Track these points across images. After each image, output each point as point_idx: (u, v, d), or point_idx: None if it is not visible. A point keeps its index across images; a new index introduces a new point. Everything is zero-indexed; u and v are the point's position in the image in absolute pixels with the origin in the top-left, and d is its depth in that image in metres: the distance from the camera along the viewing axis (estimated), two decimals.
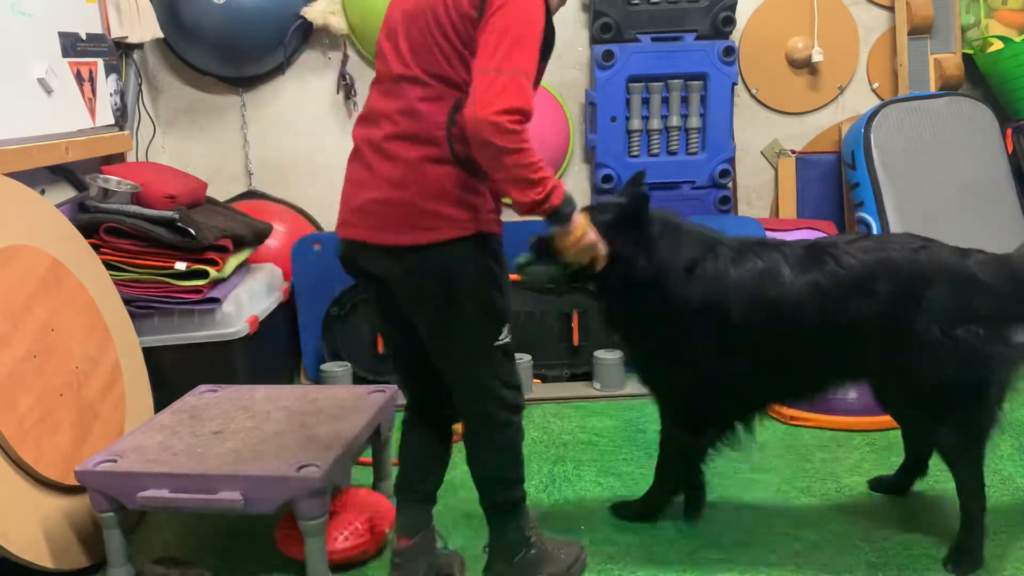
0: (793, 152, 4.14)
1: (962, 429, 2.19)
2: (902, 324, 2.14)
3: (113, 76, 3.45)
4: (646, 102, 3.86)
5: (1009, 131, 3.88)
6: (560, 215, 1.87)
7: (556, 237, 1.98)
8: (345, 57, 3.98)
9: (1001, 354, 2.14)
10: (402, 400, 2.25)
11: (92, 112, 3.26)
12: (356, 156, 1.97)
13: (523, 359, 3.48)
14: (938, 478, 2.70)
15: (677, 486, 2.50)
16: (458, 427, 2.22)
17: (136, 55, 3.69)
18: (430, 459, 2.20)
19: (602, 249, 2.06)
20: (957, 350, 2.11)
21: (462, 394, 2.05)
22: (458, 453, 2.20)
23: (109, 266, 2.87)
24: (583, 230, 1.97)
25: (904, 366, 2.17)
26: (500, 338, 1.97)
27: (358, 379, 3.59)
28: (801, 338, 2.19)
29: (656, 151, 3.92)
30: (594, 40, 3.87)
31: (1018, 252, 2.26)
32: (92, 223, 2.89)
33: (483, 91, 1.72)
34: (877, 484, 2.66)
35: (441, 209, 1.84)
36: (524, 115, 1.73)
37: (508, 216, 2.10)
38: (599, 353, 3.53)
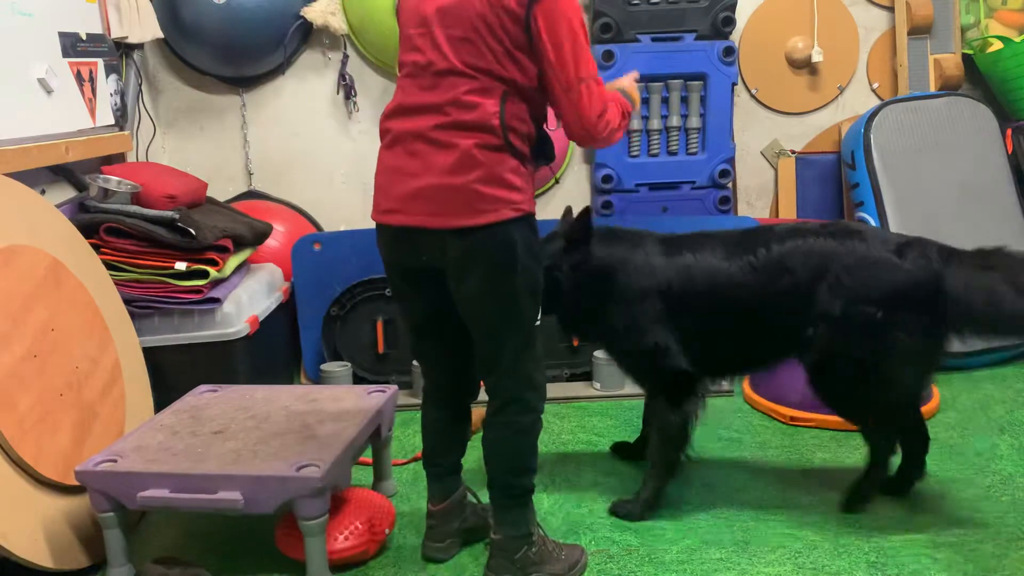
0: (793, 152, 4.14)
1: (872, 406, 2.44)
2: (816, 304, 2.36)
3: (113, 76, 3.45)
4: (646, 102, 3.86)
5: (1009, 131, 3.88)
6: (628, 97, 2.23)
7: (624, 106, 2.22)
8: (345, 57, 3.98)
9: (905, 341, 2.32)
10: (401, 400, 2.27)
11: (92, 112, 3.27)
12: (395, 146, 2.04)
13: None
14: (938, 478, 2.70)
15: (675, 465, 2.57)
16: (475, 418, 2.34)
17: (136, 55, 3.69)
18: (449, 437, 2.33)
19: (635, 91, 2.34)
20: (858, 330, 2.33)
21: (499, 372, 2.10)
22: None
23: (109, 266, 2.87)
24: (634, 84, 2.36)
25: (821, 344, 2.39)
26: (538, 319, 2.11)
27: (358, 379, 3.59)
28: (735, 315, 2.44)
29: (656, 151, 3.92)
30: (594, 40, 3.87)
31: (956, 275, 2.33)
32: (92, 223, 2.88)
33: (585, 103, 1.97)
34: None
35: (498, 192, 1.96)
36: (608, 108, 2.02)
37: None
38: (599, 353, 3.53)
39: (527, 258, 2.02)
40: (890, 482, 2.59)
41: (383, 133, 2.09)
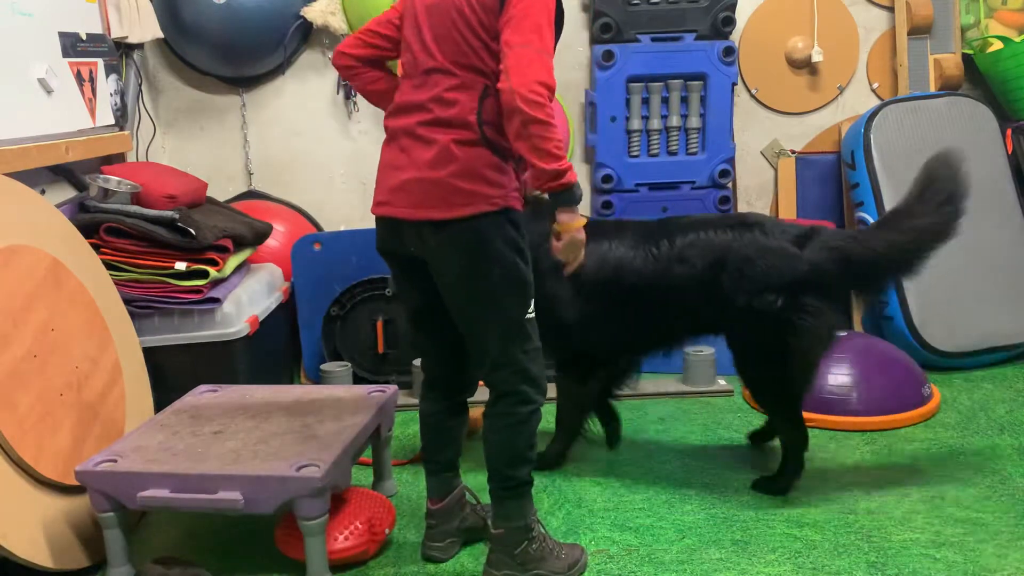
0: (793, 152, 4.14)
1: (773, 387, 2.63)
2: (717, 291, 2.55)
3: (113, 76, 3.45)
4: (646, 102, 3.86)
5: (1009, 131, 3.88)
6: (572, 194, 2.01)
7: (559, 219, 2.05)
8: None
9: (803, 323, 2.49)
10: (401, 400, 2.27)
11: (92, 112, 3.27)
12: (391, 142, 2.13)
13: None
14: (938, 478, 2.70)
15: (578, 431, 2.89)
16: (476, 416, 2.36)
17: (136, 55, 3.69)
18: (445, 434, 2.34)
19: (582, 253, 2.13)
20: (759, 317, 2.51)
21: (492, 366, 2.13)
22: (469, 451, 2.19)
23: (109, 266, 2.87)
24: (581, 223, 2.08)
25: (724, 327, 2.65)
26: (528, 312, 2.11)
27: (358, 379, 3.59)
28: (641, 301, 2.62)
29: (656, 151, 3.92)
30: (594, 40, 3.87)
31: (856, 239, 2.55)
32: (92, 223, 2.89)
33: (515, 63, 1.90)
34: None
35: (473, 187, 2.00)
36: (550, 90, 1.91)
37: None
38: None
39: (506, 252, 2.04)
40: (770, 480, 2.68)
41: (385, 130, 2.18)
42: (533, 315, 2.13)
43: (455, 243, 2.03)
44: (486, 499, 2.28)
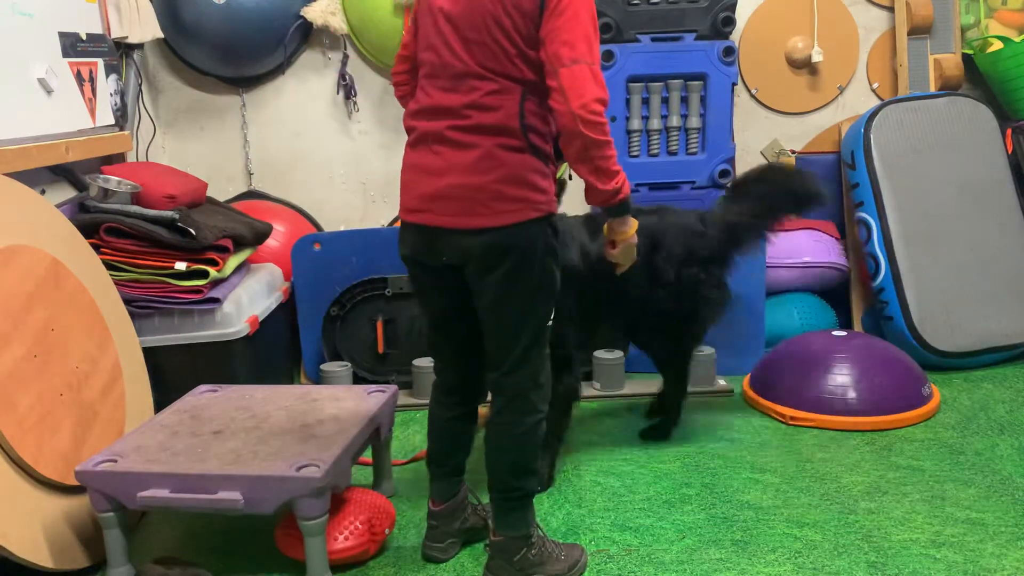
0: (793, 152, 4.14)
1: (681, 349, 3.01)
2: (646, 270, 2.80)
3: (113, 76, 3.45)
4: (646, 102, 3.86)
5: (1009, 131, 3.88)
6: (626, 206, 2.08)
7: (615, 228, 2.16)
8: (345, 57, 3.98)
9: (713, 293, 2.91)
10: (401, 400, 2.26)
11: (92, 112, 3.27)
12: (419, 145, 2.07)
13: None
14: (938, 478, 2.70)
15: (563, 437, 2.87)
16: (483, 412, 2.33)
17: (136, 55, 3.69)
18: (454, 438, 2.34)
19: (634, 255, 2.25)
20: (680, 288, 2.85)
21: (509, 367, 2.10)
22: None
23: (109, 266, 2.87)
24: (635, 228, 2.16)
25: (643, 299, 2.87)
26: (551, 319, 2.12)
27: (358, 379, 3.59)
28: (593, 285, 2.75)
29: (656, 151, 3.92)
30: None
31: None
32: (92, 223, 2.89)
33: (570, 83, 1.88)
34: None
35: (520, 193, 1.98)
36: (606, 104, 1.92)
37: None
38: (599, 353, 3.53)
39: (547, 258, 2.05)
40: (656, 428, 3.09)
41: (409, 131, 2.11)
42: (551, 324, 2.14)
43: (503, 249, 2.00)
44: (487, 498, 2.28)
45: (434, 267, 2.11)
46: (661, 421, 3.09)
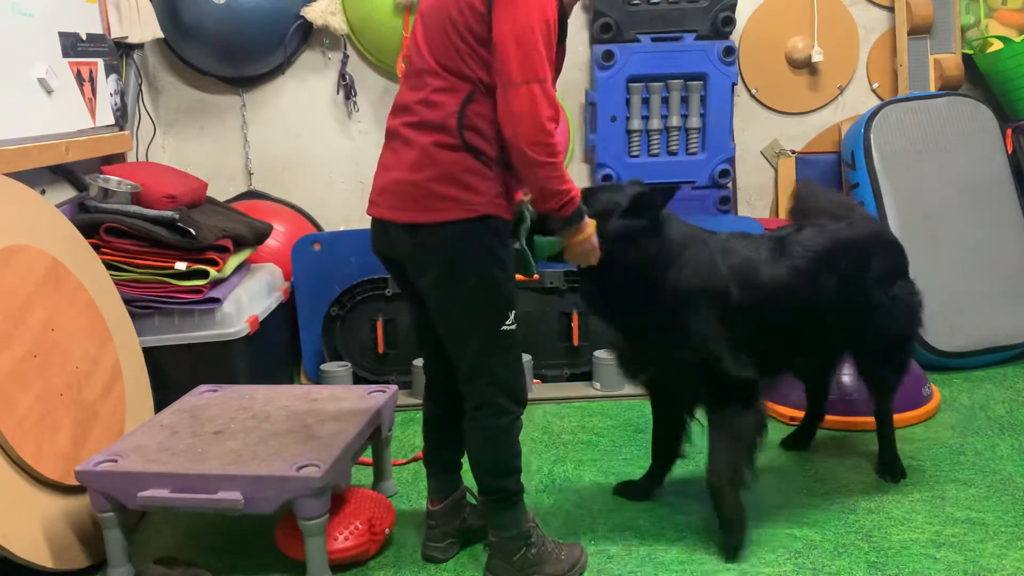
0: (793, 152, 4.14)
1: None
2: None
3: (113, 76, 3.45)
4: (646, 102, 3.86)
5: (1009, 131, 3.88)
6: (575, 217, 2.06)
7: (566, 237, 2.13)
8: (345, 57, 3.98)
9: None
10: (401, 400, 2.26)
11: (92, 112, 3.27)
12: (387, 142, 2.12)
13: (523, 359, 3.48)
14: (938, 478, 2.70)
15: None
16: None
17: (136, 55, 3.69)
18: (444, 435, 2.33)
19: (596, 257, 2.18)
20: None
21: (467, 376, 2.11)
22: None
23: (109, 266, 2.87)
24: (588, 234, 2.12)
25: None
26: (507, 323, 2.07)
27: (358, 379, 3.59)
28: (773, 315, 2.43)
29: (656, 151, 3.92)
30: (594, 40, 3.87)
31: None
32: (92, 223, 2.88)
33: (517, 109, 1.88)
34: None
35: (451, 191, 1.96)
36: (553, 119, 1.90)
37: None
38: (599, 353, 3.53)
39: (482, 261, 2.01)
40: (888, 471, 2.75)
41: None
42: (513, 326, 2.09)
43: (430, 249, 2.01)
44: None
45: (397, 263, 2.14)
46: (886, 462, 2.72)
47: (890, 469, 2.71)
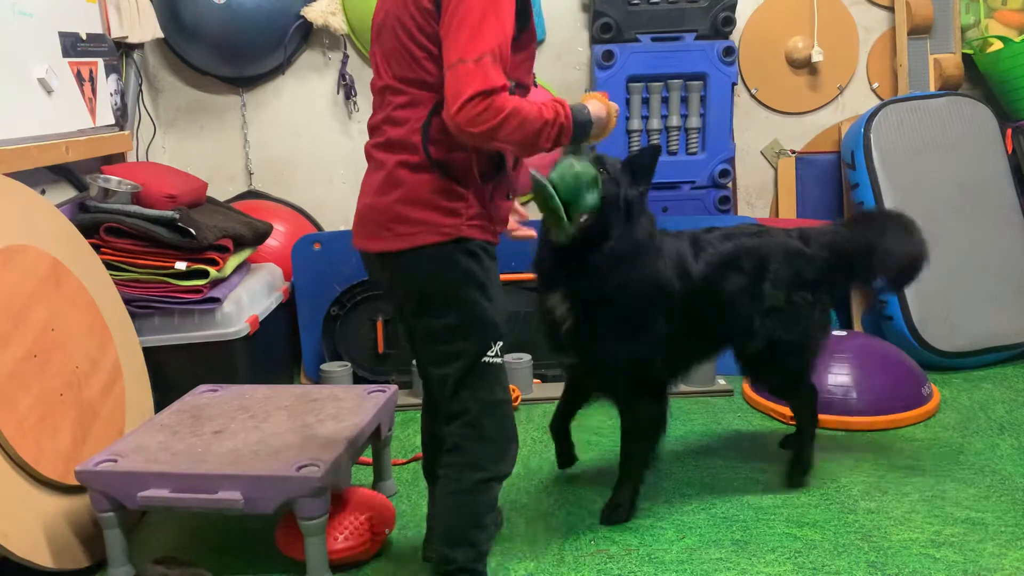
0: (793, 152, 4.14)
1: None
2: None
3: (113, 76, 3.45)
4: (646, 102, 3.86)
5: (1009, 131, 3.88)
6: (583, 130, 1.86)
7: (597, 136, 1.98)
8: (345, 57, 3.98)
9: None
10: (401, 400, 2.24)
11: (92, 112, 3.27)
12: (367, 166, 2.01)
13: (523, 359, 3.49)
14: (938, 478, 2.70)
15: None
16: None
17: (136, 55, 3.69)
18: (437, 444, 2.20)
19: (614, 117, 2.03)
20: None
21: (446, 419, 1.93)
22: None
23: (109, 266, 2.87)
24: (607, 113, 1.97)
25: None
26: (489, 354, 1.88)
27: (358, 379, 3.59)
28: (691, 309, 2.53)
29: None
30: (594, 40, 3.87)
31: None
32: (92, 223, 2.89)
33: (450, 88, 1.67)
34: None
35: (419, 215, 1.80)
36: (488, 94, 1.65)
37: None
38: None
39: (461, 287, 1.83)
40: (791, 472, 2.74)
41: None
42: (500, 361, 1.89)
43: (404, 278, 1.86)
44: None
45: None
46: (792, 463, 2.72)
47: (799, 471, 2.70)
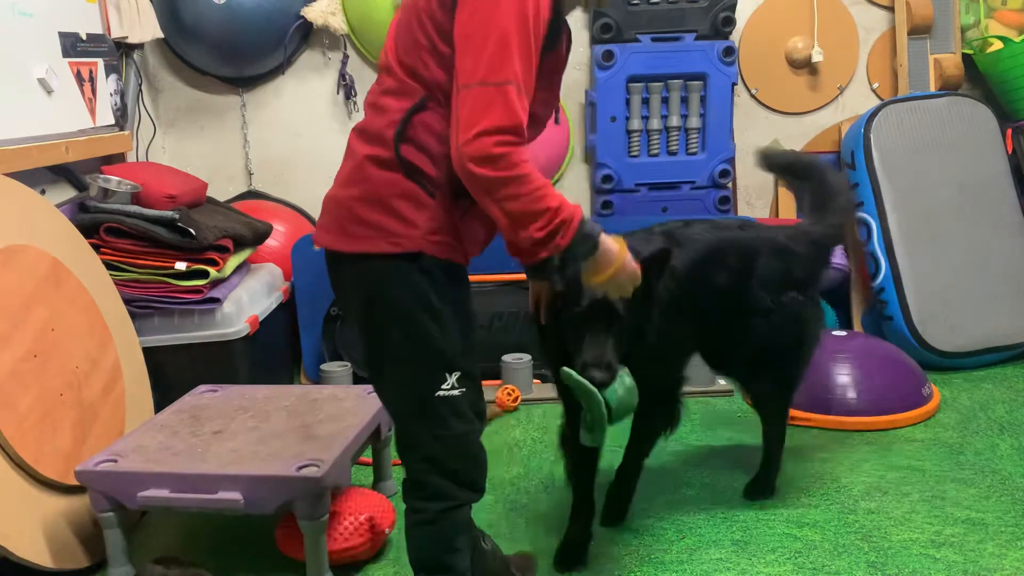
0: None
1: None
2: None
3: (113, 76, 3.45)
4: (646, 102, 3.86)
5: (1009, 131, 3.88)
6: (585, 240, 1.56)
7: (587, 273, 1.66)
8: (345, 57, 3.98)
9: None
10: None
11: (92, 112, 3.27)
12: None
13: (523, 359, 3.48)
14: (938, 478, 2.70)
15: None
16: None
17: (136, 55, 3.69)
18: None
19: (636, 281, 1.74)
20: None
21: (400, 449, 1.73)
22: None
23: (109, 266, 2.87)
24: (618, 261, 1.64)
25: None
26: (443, 387, 1.65)
27: (358, 379, 3.58)
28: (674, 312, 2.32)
29: (656, 151, 3.92)
30: (594, 40, 3.87)
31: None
32: (92, 223, 2.88)
33: (465, 111, 1.47)
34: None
35: (374, 217, 1.60)
36: (514, 133, 1.46)
37: None
38: None
39: (409, 308, 1.61)
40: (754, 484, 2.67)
41: None
42: (458, 392, 1.66)
43: (349, 285, 1.68)
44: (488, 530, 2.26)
45: None
46: (760, 473, 2.64)
47: (761, 488, 2.62)
